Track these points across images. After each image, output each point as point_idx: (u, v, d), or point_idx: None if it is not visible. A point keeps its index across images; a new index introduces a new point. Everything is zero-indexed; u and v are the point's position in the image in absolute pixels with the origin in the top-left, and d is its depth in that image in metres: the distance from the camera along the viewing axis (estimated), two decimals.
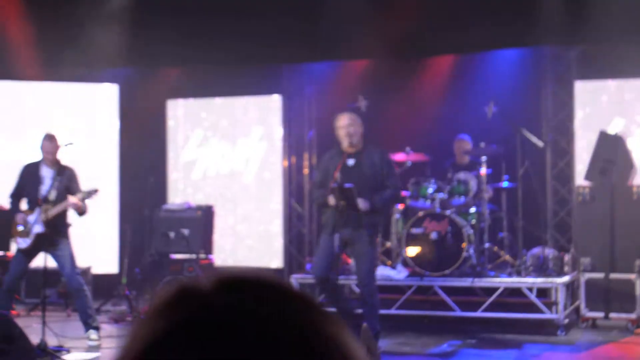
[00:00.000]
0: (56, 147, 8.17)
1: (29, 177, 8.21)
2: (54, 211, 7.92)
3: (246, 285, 0.85)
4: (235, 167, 11.74)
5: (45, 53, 10.70)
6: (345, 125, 7.67)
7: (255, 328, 0.80)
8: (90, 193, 7.93)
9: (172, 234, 9.72)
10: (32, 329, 7.84)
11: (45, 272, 7.84)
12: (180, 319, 0.82)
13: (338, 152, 7.75)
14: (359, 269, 7.66)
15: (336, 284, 7.76)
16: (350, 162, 7.63)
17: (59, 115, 11.63)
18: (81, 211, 8.06)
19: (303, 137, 11.54)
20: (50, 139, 8.21)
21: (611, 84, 10.28)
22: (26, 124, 11.48)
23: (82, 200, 7.93)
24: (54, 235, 7.97)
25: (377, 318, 7.62)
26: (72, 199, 7.89)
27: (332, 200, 7.47)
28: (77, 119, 11.65)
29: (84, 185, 8.20)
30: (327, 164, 7.76)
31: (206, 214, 10.18)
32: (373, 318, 7.50)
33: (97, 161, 11.67)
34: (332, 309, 7.61)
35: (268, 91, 11.64)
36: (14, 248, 8.45)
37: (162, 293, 0.86)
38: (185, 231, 9.72)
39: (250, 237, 11.67)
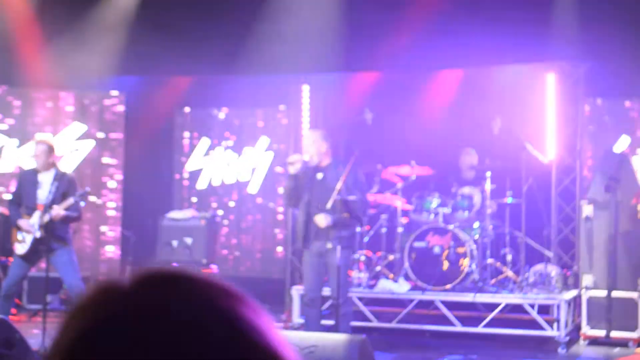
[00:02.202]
0: (46, 153, 8.16)
1: (26, 184, 8.22)
2: (46, 217, 7.92)
3: (162, 280, 0.89)
4: (241, 177, 11.76)
5: (55, 60, 10.74)
6: (303, 145, 7.90)
7: (170, 320, 0.84)
8: (82, 195, 7.91)
9: (175, 243, 9.73)
10: (33, 335, 7.86)
11: (47, 278, 7.85)
12: (103, 316, 0.86)
13: (313, 165, 7.81)
14: (330, 281, 7.72)
15: (337, 303, 7.76)
16: (319, 176, 7.75)
17: (66, 122, 11.70)
18: (68, 219, 8.04)
19: None
20: (37, 146, 8.23)
21: (618, 102, 10.27)
22: (35, 131, 11.56)
23: (76, 203, 7.91)
24: (52, 240, 7.96)
25: (349, 329, 7.65)
26: (55, 210, 7.86)
27: (322, 219, 7.56)
28: (84, 125, 11.71)
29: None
30: (302, 174, 7.81)
31: (210, 223, 10.19)
32: (345, 328, 7.55)
33: (102, 168, 11.71)
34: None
35: (274, 101, 11.66)
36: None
37: (86, 291, 0.90)
38: (189, 240, 9.73)
39: (253, 247, 11.67)
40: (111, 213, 11.68)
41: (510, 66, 10.33)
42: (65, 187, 8.02)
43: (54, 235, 7.98)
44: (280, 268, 11.37)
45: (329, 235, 7.56)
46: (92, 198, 8.07)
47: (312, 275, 7.80)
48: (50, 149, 8.21)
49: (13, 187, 9.27)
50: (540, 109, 10.39)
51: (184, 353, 0.83)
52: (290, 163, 7.78)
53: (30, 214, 8.07)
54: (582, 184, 10.21)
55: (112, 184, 11.69)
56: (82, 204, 7.96)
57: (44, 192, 8.07)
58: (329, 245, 7.54)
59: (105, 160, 11.74)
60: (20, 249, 8.09)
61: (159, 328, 0.84)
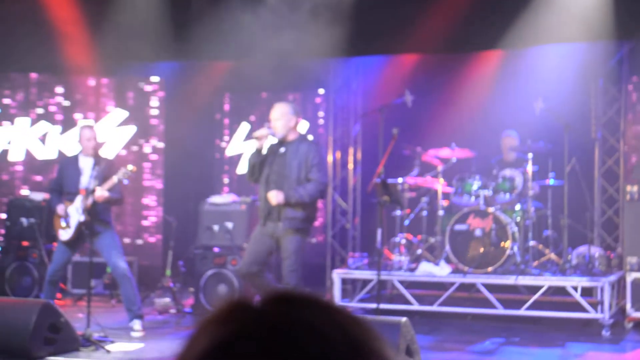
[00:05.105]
0: (93, 139, 8.25)
1: (68, 170, 8.32)
2: (91, 199, 7.98)
3: (295, 300, 0.92)
4: None
5: (96, 46, 10.81)
6: (271, 117, 7.63)
7: (308, 338, 0.87)
8: (126, 173, 7.94)
9: (216, 228, 9.77)
10: (78, 319, 7.97)
11: (91, 263, 7.95)
12: (235, 329, 0.89)
13: (279, 138, 7.60)
14: (282, 265, 7.48)
15: (263, 279, 7.57)
16: (282, 150, 7.55)
17: (109, 108, 11.81)
18: (111, 201, 8.10)
19: (348, 131, 11.53)
20: (87, 130, 8.31)
21: None
22: (77, 118, 11.68)
23: (119, 183, 7.95)
24: (95, 223, 8.05)
25: None
26: (98, 192, 7.89)
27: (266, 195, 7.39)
28: (125, 111, 11.81)
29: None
30: (269, 150, 7.65)
31: (250, 207, 10.21)
32: None
33: (143, 154, 11.80)
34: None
35: (314, 85, 11.64)
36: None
37: (217, 305, 0.93)
38: (229, 225, 9.76)
39: None
40: (152, 198, 11.78)
41: (551, 46, 10.18)
42: (106, 171, 8.10)
43: (97, 218, 8.07)
44: (319, 252, 11.38)
45: (280, 215, 7.40)
46: (129, 167, 8.03)
47: (254, 248, 7.55)
48: (95, 135, 8.32)
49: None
50: (582, 89, 10.25)
51: None
52: (257, 138, 7.58)
53: (72, 199, 8.16)
54: (625, 165, 10.08)
55: (153, 169, 11.79)
56: (125, 182, 8.00)
57: (85, 178, 8.16)
58: (280, 226, 7.37)
59: (146, 145, 11.83)
60: (65, 234, 8.19)
61: (287, 345, 0.87)
